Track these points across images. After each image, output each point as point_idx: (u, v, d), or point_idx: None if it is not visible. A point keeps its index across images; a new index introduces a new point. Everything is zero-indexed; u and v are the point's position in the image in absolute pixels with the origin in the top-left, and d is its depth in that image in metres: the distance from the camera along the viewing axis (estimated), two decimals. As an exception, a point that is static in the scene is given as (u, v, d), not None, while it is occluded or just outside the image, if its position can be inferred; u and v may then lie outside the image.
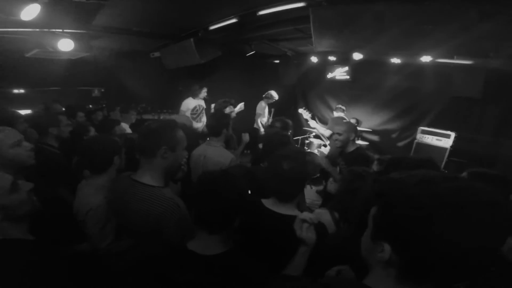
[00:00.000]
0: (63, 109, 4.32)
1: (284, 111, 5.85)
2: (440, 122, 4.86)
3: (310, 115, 4.87)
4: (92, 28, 3.18)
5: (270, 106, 5.73)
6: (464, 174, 1.46)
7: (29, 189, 1.19)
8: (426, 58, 3.93)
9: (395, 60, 4.54)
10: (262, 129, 5.52)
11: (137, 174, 1.42)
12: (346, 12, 2.33)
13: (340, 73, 5.99)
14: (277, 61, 6.48)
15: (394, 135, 5.66)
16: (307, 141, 5.68)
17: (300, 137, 5.86)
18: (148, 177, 1.39)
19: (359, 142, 5.39)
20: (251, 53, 4.79)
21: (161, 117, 5.72)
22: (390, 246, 0.64)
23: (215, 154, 2.35)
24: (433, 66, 4.30)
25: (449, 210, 0.58)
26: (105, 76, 5.55)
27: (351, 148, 2.47)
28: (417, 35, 2.39)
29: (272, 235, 1.30)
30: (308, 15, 2.47)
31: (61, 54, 3.67)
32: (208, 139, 2.55)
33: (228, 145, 2.68)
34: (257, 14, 2.83)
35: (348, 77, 5.89)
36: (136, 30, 3.58)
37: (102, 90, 6.08)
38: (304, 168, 1.39)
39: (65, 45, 3.33)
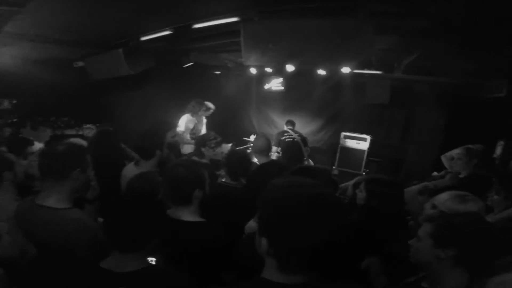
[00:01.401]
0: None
1: (223, 122, 5.79)
2: (360, 127, 5.53)
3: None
4: (1, 35, 2.78)
5: (208, 118, 5.11)
6: (363, 183, 1.76)
7: (6, 231, 1.03)
8: (346, 70, 4.30)
9: (321, 72, 4.91)
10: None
11: (40, 197, 1.37)
12: (271, 28, 2.50)
13: (276, 84, 6.25)
14: (218, 72, 6.44)
15: (323, 142, 6.21)
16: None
17: (241, 148, 5.96)
18: (53, 200, 1.35)
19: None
20: (189, 64, 4.75)
21: (84, 133, 5.19)
22: (266, 240, 0.76)
23: None
24: (352, 76, 4.84)
25: (296, 210, 0.73)
26: (18, 86, 4.80)
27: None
28: (334, 48, 2.63)
29: (177, 242, 1.38)
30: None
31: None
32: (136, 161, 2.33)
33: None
34: (192, 27, 2.87)
35: (282, 88, 6.19)
36: (57, 38, 3.26)
37: (14, 101, 5.24)
38: (193, 175, 1.51)
39: (-36, 52, 2.84)
